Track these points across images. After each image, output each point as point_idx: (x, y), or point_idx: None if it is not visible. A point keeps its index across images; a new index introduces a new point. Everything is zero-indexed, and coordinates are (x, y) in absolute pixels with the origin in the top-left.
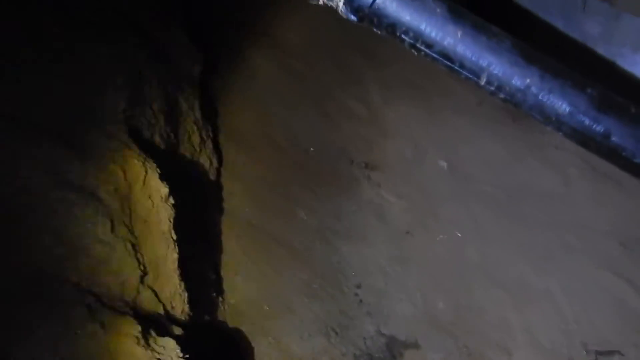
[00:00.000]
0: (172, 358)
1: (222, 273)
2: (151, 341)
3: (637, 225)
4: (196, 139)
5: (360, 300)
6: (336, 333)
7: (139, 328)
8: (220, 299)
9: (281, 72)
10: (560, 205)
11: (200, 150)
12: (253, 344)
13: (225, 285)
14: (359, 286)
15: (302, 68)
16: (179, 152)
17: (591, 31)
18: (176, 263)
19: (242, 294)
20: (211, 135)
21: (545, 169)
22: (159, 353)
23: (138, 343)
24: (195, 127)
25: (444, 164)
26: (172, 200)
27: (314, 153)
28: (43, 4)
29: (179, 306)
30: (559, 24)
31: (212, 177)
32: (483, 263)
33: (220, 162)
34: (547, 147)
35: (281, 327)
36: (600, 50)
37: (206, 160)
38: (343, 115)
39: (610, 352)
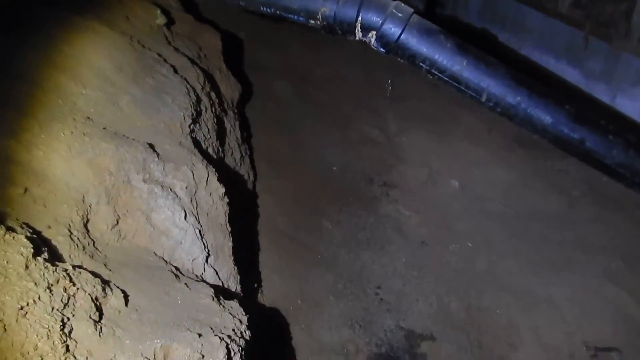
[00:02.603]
0: (238, 314)
1: (261, 270)
2: (221, 301)
3: (634, 242)
4: (237, 154)
5: (381, 299)
6: (360, 326)
7: (213, 290)
8: (260, 290)
9: (307, 102)
10: (564, 223)
11: (240, 165)
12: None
13: (263, 281)
14: (379, 287)
15: (326, 99)
16: (225, 164)
17: (593, 67)
18: (231, 250)
19: (278, 290)
20: (248, 153)
21: (550, 191)
22: (228, 309)
23: (213, 300)
24: (236, 145)
25: (456, 183)
26: (227, 199)
27: (337, 172)
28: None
29: (233, 286)
30: (565, 62)
31: (250, 188)
32: (492, 271)
33: (255, 177)
34: (551, 171)
35: (312, 318)
36: (602, 84)
37: (245, 173)
38: (363, 141)
39: (609, 349)
